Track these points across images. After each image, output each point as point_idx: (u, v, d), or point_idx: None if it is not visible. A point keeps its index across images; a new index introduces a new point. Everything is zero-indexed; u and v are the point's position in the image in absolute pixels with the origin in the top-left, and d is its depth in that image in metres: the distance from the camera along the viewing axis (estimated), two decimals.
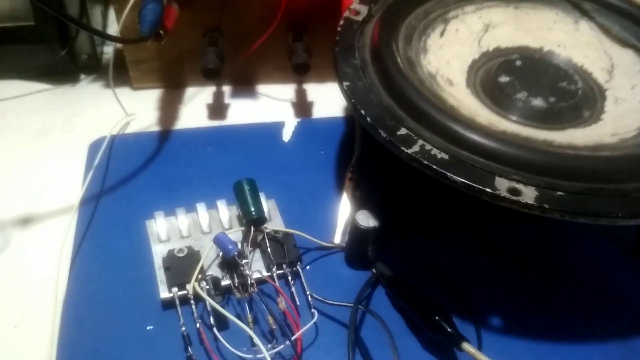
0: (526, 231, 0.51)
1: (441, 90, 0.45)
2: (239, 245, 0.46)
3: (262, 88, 0.67)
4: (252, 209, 0.47)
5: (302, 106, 0.65)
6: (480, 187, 0.36)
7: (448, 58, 0.50)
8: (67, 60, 0.68)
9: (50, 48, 0.66)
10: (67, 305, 0.44)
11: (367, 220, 0.46)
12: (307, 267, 0.48)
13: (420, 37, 0.50)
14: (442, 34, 0.51)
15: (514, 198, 0.36)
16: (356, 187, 0.52)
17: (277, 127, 0.62)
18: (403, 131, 0.40)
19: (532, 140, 0.41)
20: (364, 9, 0.51)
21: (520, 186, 0.37)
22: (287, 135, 0.61)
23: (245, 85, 0.67)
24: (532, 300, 0.47)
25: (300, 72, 0.59)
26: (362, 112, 0.41)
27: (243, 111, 0.64)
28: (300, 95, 0.66)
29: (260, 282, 0.45)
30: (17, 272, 0.48)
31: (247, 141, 0.60)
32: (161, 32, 0.53)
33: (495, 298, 0.47)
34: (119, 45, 0.70)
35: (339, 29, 0.49)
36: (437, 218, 0.51)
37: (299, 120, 0.63)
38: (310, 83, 0.67)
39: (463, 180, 0.37)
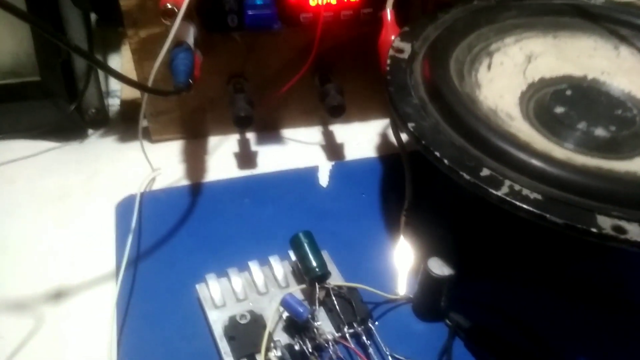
0: (598, 265, 0.49)
1: (507, 125, 0.43)
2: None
3: (288, 132, 0.64)
4: (315, 265, 0.44)
5: (333, 148, 0.62)
6: (584, 227, 0.34)
7: (500, 92, 0.48)
8: (76, 116, 0.64)
9: (57, 104, 0.62)
10: None
11: (440, 268, 0.43)
12: (377, 323, 0.44)
13: (470, 72, 0.48)
14: (489, 67, 0.50)
15: (622, 237, 0.34)
16: (414, 231, 0.49)
17: (312, 172, 0.59)
18: (486, 172, 0.38)
19: (616, 173, 0.39)
20: (407, 47, 0.50)
21: (623, 223, 0.35)
22: (323, 180, 0.58)
23: (270, 130, 0.64)
24: (617, 341, 0.44)
25: (335, 114, 0.57)
26: (437, 154, 0.39)
27: (272, 158, 0.61)
28: (328, 137, 0.64)
29: (333, 343, 0.41)
30: (56, 356, 0.43)
31: (284, 189, 0.56)
32: (190, 81, 0.50)
33: (578, 340, 0.44)
34: (129, 96, 0.67)
35: (388, 68, 0.47)
36: (507, 258, 0.48)
37: (333, 163, 0.60)
38: (336, 124, 0.65)
39: (565, 222, 0.34)
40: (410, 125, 0.42)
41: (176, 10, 0.48)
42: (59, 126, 0.64)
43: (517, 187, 0.37)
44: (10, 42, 0.60)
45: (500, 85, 0.49)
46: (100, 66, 0.48)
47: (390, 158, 0.60)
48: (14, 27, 0.59)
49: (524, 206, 0.35)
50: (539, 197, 0.36)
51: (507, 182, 0.37)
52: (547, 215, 0.35)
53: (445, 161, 0.39)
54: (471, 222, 0.50)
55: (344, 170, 0.59)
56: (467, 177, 0.38)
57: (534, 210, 0.35)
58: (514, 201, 0.36)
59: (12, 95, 0.61)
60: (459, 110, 0.42)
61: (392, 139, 0.63)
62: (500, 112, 0.45)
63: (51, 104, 0.62)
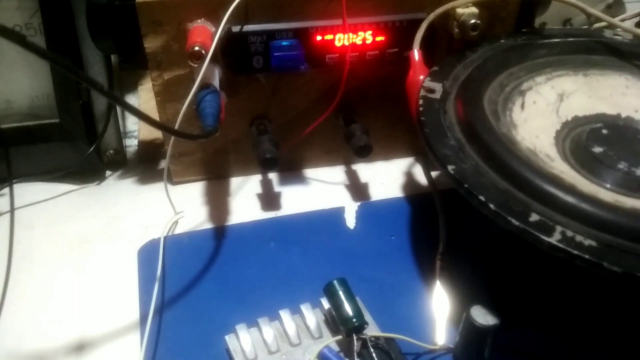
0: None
1: (549, 167, 0.42)
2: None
3: (311, 172, 0.63)
4: (352, 315, 0.42)
5: (357, 188, 0.61)
6: None
7: (535, 131, 0.47)
8: (94, 157, 0.63)
9: (76, 145, 0.61)
10: None
11: (484, 317, 0.41)
12: None
13: (504, 111, 0.47)
14: (522, 106, 0.49)
15: None
16: (450, 275, 0.47)
17: (338, 213, 0.57)
18: (535, 217, 0.36)
19: None
20: (438, 87, 0.49)
21: None
22: (350, 221, 0.56)
23: (292, 170, 0.63)
24: None
25: (362, 155, 0.55)
26: (482, 198, 0.38)
27: (296, 198, 0.59)
28: (352, 177, 0.63)
29: None
30: None
31: (310, 231, 0.55)
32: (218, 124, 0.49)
33: None
34: (147, 137, 0.66)
35: (421, 109, 0.46)
36: (551, 305, 0.46)
37: (358, 204, 0.59)
38: (359, 163, 0.64)
39: (624, 270, 0.33)
40: (451, 168, 0.40)
41: (204, 52, 0.47)
42: (77, 168, 0.62)
43: (569, 233, 0.35)
44: (29, 83, 0.59)
45: (536, 125, 0.48)
46: (124, 105, 0.46)
47: (417, 198, 0.59)
48: (34, 67, 0.58)
49: (580, 254, 0.34)
50: (593, 243, 0.35)
51: (559, 228, 0.36)
52: (605, 264, 0.33)
53: (491, 206, 0.37)
54: (512, 266, 0.48)
55: (370, 211, 0.58)
56: (515, 222, 0.36)
57: (591, 258, 0.33)
58: (568, 249, 0.34)
59: (30, 138, 0.60)
60: (500, 152, 0.40)
61: (418, 178, 0.62)
62: (539, 152, 0.44)
63: (70, 145, 0.61)
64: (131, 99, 0.74)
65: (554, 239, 0.35)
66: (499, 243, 0.48)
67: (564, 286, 0.46)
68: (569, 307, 0.46)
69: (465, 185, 0.39)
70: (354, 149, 0.55)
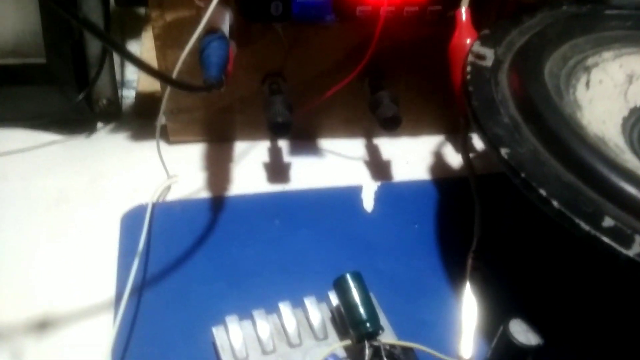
0: None
1: (621, 160, 0.34)
2: None
3: (326, 143, 0.55)
4: (366, 318, 0.35)
5: (378, 166, 0.53)
6: None
7: (601, 116, 0.39)
8: (84, 106, 0.55)
9: (64, 91, 0.54)
10: None
11: (525, 334, 0.34)
12: None
13: (568, 89, 0.39)
14: (587, 85, 0.41)
15: None
16: (484, 278, 0.40)
17: (355, 192, 0.50)
18: (609, 222, 0.29)
19: None
20: (489, 53, 0.41)
21: None
22: (368, 203, 0.49)
23: (306, 139, 0.55)
24: None
25: (388, 127, 0.48)
26: (543, 192, 0.30)
27: (308, 172, 0.52)
28: (373, 152, 0.55)
29: None
30: None
31: (321, 211, 0.48)
32: (223, 76, 0.41)
33: None
34: (146, 89, 0.59)
35: (468, 77, 0.38)
36: (606, 325, 0.39)
37: (378, 184, 0.51)
38: (382, 138, 0.56)
39: None
40: (504, 151, 0.33)
41: None
42: (64, 117, 0.56)
43: None
44: (14, 16, 0.51)
45: (602, 109, 0.40)
46: (116, 48, 0.39)
47: (447, 182, 0.51)
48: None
49: None
50: None
51: (638, 238, 0.28)
52: None
53: (555, 203, 0.30)
54: (563, 276, 0.40)
55: (392, 193, 0.50)
56: (585, 227, 0.29)
57: None
58: None
59: (12, 78, 0.53)
60: (567, 137, 0.33)
61: (450, 159, 0.54)
62: (608, 141, 0.36)
63: (57, 90, 0.54)
64: (133, 46, 0.66)
65: (633, 252, 0.27)
66: (550, 246, 0.41)
67: (630, 306, 0.38)
68: (629, 330, 0.39)
69: (522, 175, 0.31)
70: (380, 120, 0.48)
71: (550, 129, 0.34)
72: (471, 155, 0.51)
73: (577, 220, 0.29)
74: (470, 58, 0.40)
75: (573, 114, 0.37)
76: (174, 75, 0.41)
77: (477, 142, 0.56)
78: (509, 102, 0.37)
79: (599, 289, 0.39)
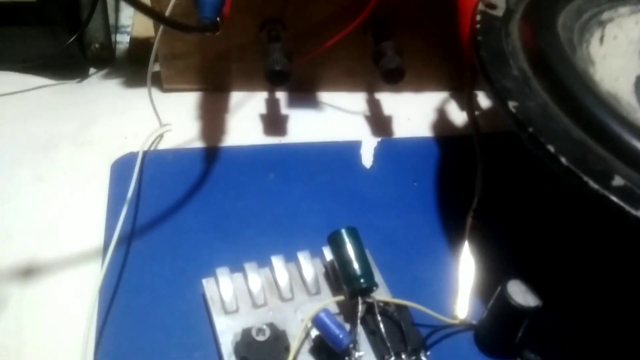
0: None
1: (634, 119, 0.33)
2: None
3: (326, 96, 0.53)
4: (360, 274, 0.34)
5: (379, 122, 0.52)
6: None
7: (614, 73, 0.37)
8: (75, 50, 0.53)
9: (55, 33, 0.52)
10: None
11: (523, 295, 0.33)
12: (429, 354, 0.34)
13: (581, 43, 0.37)
14: (601, 40, 0.39)
15: None
16: (483, 238, 0.39)
17: (353, 148, 0.48)
18: (619, 181, 0.27)
19: None
20: (500, 2, 0.39)
21: None
22: (367, 159, 0.48)
23: (305, 91, 0.53)
24: None
25: (391, 80, 0.46)
26: (551, 148, 0.28)
27: (305, 125, 0.50)
28: (375, 107, 0.53)
29: None
30: (15, 350, 0.33)
31: (318, 165, 0.46)
32: (218, 19, 0.39)
33: None
34: (141, 34, 0.56)
35: (477, 26, 0.36)
36: (611, 289, 0.38)
37: (378, 140, 0.49)
38: (384, 92, 0.54)
39: None
40: (512, 104, 0.31)
41: None
42: (56, 61, 0.53)
43: None
44: None
45: (616, 65, 0.38)
46: None
47: (449, 140, 0.50)
48: None
49: None
50: None
51: None
52: None
53: (563, 160, 0.28)
54: (566, 237, 0.39)
55: (392, 150, 0.49)
56: (594, 186, 0.27)
57: None
58: None
59: (1, 17, 0.50)
60: (578, 92, 0.31)
61: (453, 117, 0.53)
62: (621, 99, 0.35)
63: (48, 32, 0.52)
64: None
65: None
66: (554, 206, 0.39)
67: (636, 268, 0.37)
68: (633, 292, 0.38)
69: (530, 130, 0.30)
70: (383, 71, 0.45)
71: (562, 83, 0.32)
72: (476, 113, 0.49)
73: (585, 178, 0.27)
74: (481, 7, 0.38)
75: (586, 69, 0.35)
76: (167, 12, 0.39)
77: (482, 100, 0.54)
78: (519, 54, 0.35)
79: (603, 250, 0.38)
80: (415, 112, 0.53)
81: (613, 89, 0.35)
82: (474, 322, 0.36)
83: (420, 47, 0.51)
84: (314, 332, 0.33)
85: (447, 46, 0.50)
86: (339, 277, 0.35)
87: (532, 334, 0.34)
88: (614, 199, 0.27)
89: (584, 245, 0.39)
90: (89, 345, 0.32)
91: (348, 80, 0.53)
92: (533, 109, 0.31)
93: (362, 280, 0.33)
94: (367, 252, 0.36)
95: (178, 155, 0.45)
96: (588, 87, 0.31)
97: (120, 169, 0.43)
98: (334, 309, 0.35)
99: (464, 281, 0.38)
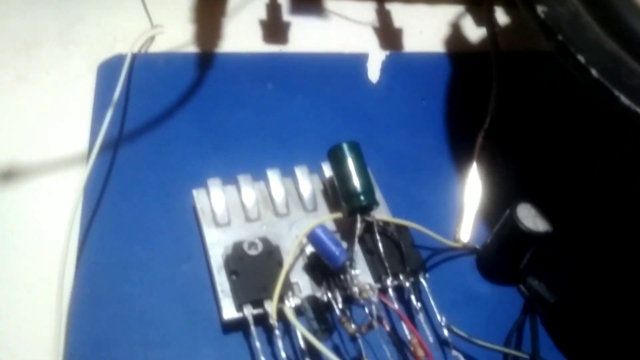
0: None
1: None
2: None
3: (332, 4, 0.49)
4: (361, 191, 0.32)
5: (388, 34, 0.48)
6: None
7: None
8: None
9: None
10: (72, 319, 0.29)
11: (533, 220, 0.31)
12: (427, 276, 0.33)
13: None
14: None
15: None
16: (493, 159, 0.36)
17: (359, 61, 0.45)
18: None
19: None
20: None
21: None
22: (373, 73, 0.44)
23: None
24: None
25: None
26: (581, 58, 0.25)
27: (309, 34, 0.47)
28: (384, 18, 0.49)
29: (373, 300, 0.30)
30: None
31: (321, 78, 0.43)
32: None
33: None
34: None
35: None
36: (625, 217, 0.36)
37: (387, 53, 0.46)
38: (395, 3, 0.50)
39: None
40: (541, 9, 0.28)
41: None
42: None
43: None
44: None
45: None
46: None
47: (463, 57, 0.46)
48: None
49: None
50: None
51: None
52: None
53: (593, 72, 0.25)
54: (585, 158, 0.37)
55: (400, 65, 0.45)
56: (625, 101, 0.24)
57: None
58: None
59: None
60: (616, 2, 0.27)
61: (468, 32, 0.49)
62: None
63: None
64: None
65: None
66: (576, 124, 0.36)
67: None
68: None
69: (559, 37, 0.27)
70: None
71: None
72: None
73: (617, 93, 0.25)
74: None
75: None
76: None
77: (500, 17, 0.50)
78: None
79: (627, 174, 0.35)
80: (427, 25, 0.49)
81: None
82: (477, 246, 0.34)
83: None
84: (309, 249, 0.31)
85: None
86: (337, 193, 0.33)
87: (538, 262, 0.33)
88: None
89: (605, 169, 0.36)
90: (69, 253, 0.30)
91: None
92: (563, 15, 0.28)
93: (362, 198, 0.31)
94: (369, 170, 0.33)
95: (170, 60, 0.42)
96: None
97: (108, 71, 0.40)
98: (331, 226, 0.33)
99: (469, 204, 0.36)
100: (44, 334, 0.28)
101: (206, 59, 0.42)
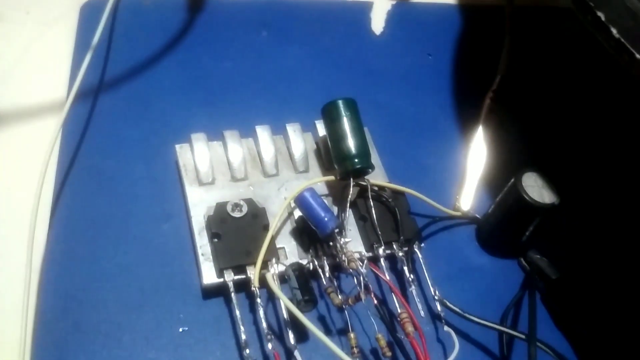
0: None
1: None
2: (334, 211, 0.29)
3: None
4: (355, 153, 0.29)
5: None
6: None
7: None
8: None
9: None
10: (44, 277, 0.27)
11: (539, 190, 0.29)
12: (423, 245, 0.31)
13: None
14: None
15: None
16: (500, 123, 0.34)
17: (363, 10, 0.42)
18: None
19: None
20: None
21: None
22: (377, 24, 0.41)
23: None
24: None
25: None
26: (601, 16, 0.23)
27: None
28: None
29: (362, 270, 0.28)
30: None
31: (319, 26, 0.40)
32: None
33: None
34: None
35: None
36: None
37: (393, 3, 0.43)
38: None
39: None
40: None
41: None
42: None
43: None
44: None
45: None
46: None
47: (473, 10, 0.43)
48: None
49: None
50: None
51: None
52: None
53: (614, 31, 0.23)
54: (599, 125, 0.34)
55: (407, 15, 0.42)
56: None
57: None
58: None
59: None
60: None
61: None
62: None
63: None
64: None
65: None
66: (591, 88, 0.34)
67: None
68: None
69: None
70: None
71: None
72: None
73: (638, 55, 0.22)
74: None
75: None
76: None
77: None
78: None
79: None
80: None
81: None
82: (478, 216, 0.32)
83: None
84: (298, 213, 0.29)
85: None
86: (331, 155, 0.30)
87: (541, 235, 0.31)
88: None
89: (622, 138, 0.34)
90: (42, 207, 0.28)
91: None
92: None
93: (356, 160, 0.29)
94: (365, 129, 0.31)
95: (156, 3, 0.39)
96: None
97: (91, 12, 0.37)
98: (323, 189, 0.31)
99: (472, 170, 0.34)
100: (14, 291, 0.27)
101: (195, 3, 0.39)
